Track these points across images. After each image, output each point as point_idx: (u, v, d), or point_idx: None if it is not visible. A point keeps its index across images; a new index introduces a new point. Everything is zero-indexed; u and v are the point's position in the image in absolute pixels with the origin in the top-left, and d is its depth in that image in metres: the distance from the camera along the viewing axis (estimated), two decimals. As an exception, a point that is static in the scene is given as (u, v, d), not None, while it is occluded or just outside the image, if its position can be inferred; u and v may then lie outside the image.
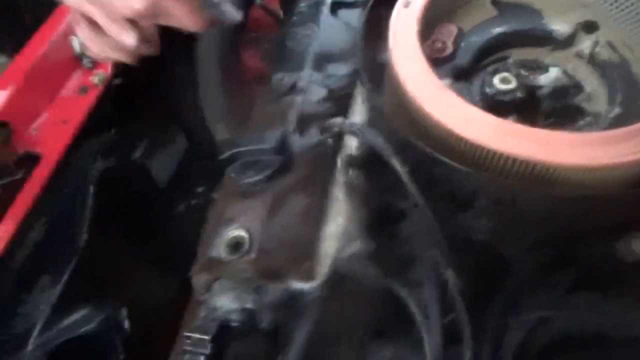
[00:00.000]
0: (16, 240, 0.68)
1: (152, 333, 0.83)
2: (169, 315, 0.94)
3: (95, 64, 0.81)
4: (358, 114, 0.69)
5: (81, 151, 0.76)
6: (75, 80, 0.80)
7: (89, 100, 0.77)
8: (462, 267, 0.56)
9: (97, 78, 0.78)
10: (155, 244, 0.97)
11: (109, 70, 0.80)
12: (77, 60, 0.81)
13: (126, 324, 0.74)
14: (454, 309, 0.55)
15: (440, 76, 0.61)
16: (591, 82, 0.61)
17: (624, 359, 0.52)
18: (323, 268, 0.55)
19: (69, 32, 0.82)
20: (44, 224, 0.72)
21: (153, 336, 0.83)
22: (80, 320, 0.71)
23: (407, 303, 0.54)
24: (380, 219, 0.60)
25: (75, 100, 0.77)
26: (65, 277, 0.70)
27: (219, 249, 0.56)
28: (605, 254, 0.57)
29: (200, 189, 1.24)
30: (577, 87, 0.61)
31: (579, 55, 0.63)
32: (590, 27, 0.63)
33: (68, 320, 0.70)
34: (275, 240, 0.55)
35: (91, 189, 0.78)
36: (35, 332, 0.68)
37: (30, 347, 0.67)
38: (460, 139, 0.52)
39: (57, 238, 0.73)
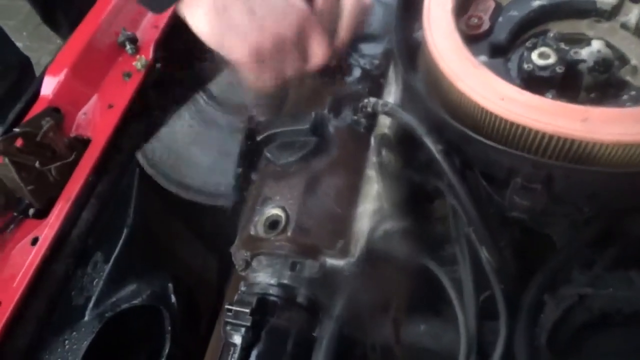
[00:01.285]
0: (70, 220, 0.72)
1: (198, 307, 0.87)
2: (213, 290, 0.98)
3: (138, 49, 0.84)
4: (392, 93, 0.69)
5: (127, 134, 0.80)
6: (119, 65, 0.83)
7: (133, 84, 0.80)
8: (500, 245, 0.56)
9: (139, 63, 0.81)
10: (199, 223, 1.01)
11: (149, 56, 0.83)
12: (121, 46, 0.84)
13: (173, 298, 0.78)
14: (490, 287, 0.55)
15: (477, 53, 0.60)
16: (636, 54, 0.58)
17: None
18: (357, 245, 0.56)
19: (114, 18, 0.86)
20: (95, 204, 0.76)
21: (198, 309, 0.87)
22: (131, 294, 0.76)
23: (441, 280, 0.55)
24: (414, 197, 0.61)
25: (120, 85, 0.81)
26: (115, 254, 0.75)
27: (257, 227, 0.58)
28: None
29: (239, 170, 1.27)
30: (622, 60, 0.59)
31: (625, 26, 0.60)
32: (637, -4, 0.61)
33: (119, 294, 0.75)
34: (310, 218, 0.57)
35: (137, 171, 0.82)
36: (91, 304, 0.73)
37: (86, 317, 0.72)
38: (494, 117, 0.51)
39: (107, 217, 0.77)
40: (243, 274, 0.58)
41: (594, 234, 0.56)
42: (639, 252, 0.55)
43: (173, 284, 0.80)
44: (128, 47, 0.83)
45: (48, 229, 0.70)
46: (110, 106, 0.79)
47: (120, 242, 0.76)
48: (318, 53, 0.61)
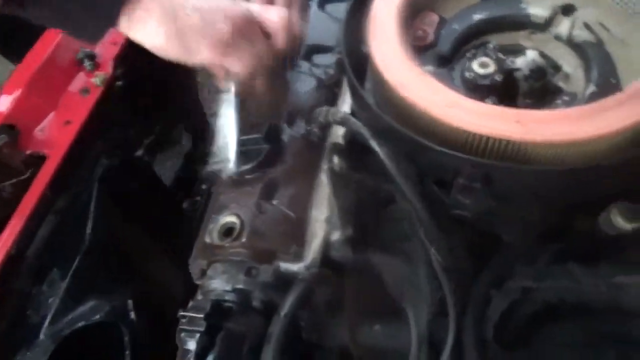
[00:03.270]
0: (25, 237, 0.71)
1: (161, 323, 0.86)
2: (179, 304, 0.97)
3: (97, 65, 0.85)
4: (347, 102, 0.71)
5: (85, 150, 0.80)
6: (77, 82, 0.84)
7: (91, 100, 0.81)
8: (451, 246, 0.58)
9: (98, 79, 0.82)
10: (163, 238, 1.00)
11: (109, 71, 0.84)
12: (80, 63, 0.85)
13: (132, 314, 0.78)
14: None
15: (423, 63, 0.63)
16: (569, 63, 0.63)
17: (602, 325, 0.53)
18: (311, 250, 0.58)
19: (70, 38, 0.86)
20: (52, 220, 0.75)
21: (164, 324, 0.86)
22: (89, 310, 0.75)
23: (390, 282, 0.56)
24: (367, 202, 0.63)
25: (78, 102, 0.81)
26: (72, 271, 0.74)
27: (213, 235, 0.59)
28: (587, 227, 0.59)
29: (204, 186, 1.28)
30: (555, 68, 0.63)
31: (558, 37, 0.65)
32: (567, 9, 0.65)
33: (77, 311, 0.74)
34: (265, 224, 0.58)
35: (96, 186, 0.81)
36: (46, 323, 0.71)
37: (42, 336, 0.71)
38: (437, 122, 0.54)
39: (65, 233, 0.76)
40: (199, 282, 0.59)
41: (536, 230, 0.58)
42: (579, 247, 0.58)
43: (134, 299, 0.79)
44: (87, 63, 0.84)
45: (1, 247, 0.69)
46: (68, 122, 0.79)
47: (78, 258, 0.75)
48: (276, 29, 0.63)
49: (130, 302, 0.79)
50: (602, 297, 0.53)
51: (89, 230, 0.78)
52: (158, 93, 1.08)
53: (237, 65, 0.61)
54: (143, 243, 0.91)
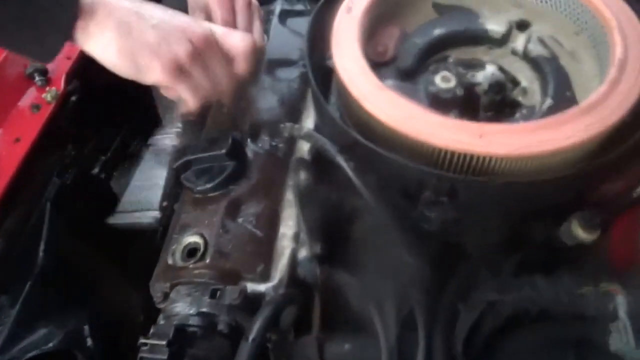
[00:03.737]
0: (-29, 262, 0.67)
1: (120, 346, 0.82)
2: (139, 328, 0.93)
3: (48, 81, 0.81)
4: (311, 117, 0.71)
5: (36, 169, 0.76)
6: (28, 98, 0.79)
7: (42, 117, 0.77)
8: (420, 258, 0.58)
9: (49, 95, 0.78)
10: (122, 260, 0.96)
11: (61, 87, 0.80)
12: (29, 78, 0.81)
13: (89, 341, 0.74)
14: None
15: (385, 77, 0.63)
16: (526, 77, 0.64)
17: (566, 333, 0.54)
18: (278, 269, 0.56)
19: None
20: (0, 242, 0.71)
21: (121, 349, 0.82)
22: (42, 338, 0.70)
23: (360, 301, 0.56)
24: (333, 218, 0.62)
25: (28, 118, 0.77)
26: (23, 296, 0.70)
27: (175, 256, 0.57)
28: (547, 239, 0.60)
29: (165, 203, 1.24)
30: (513, 82, 0.65)
31: (514, 52, 0.66)
32: (522, 25, 0.67)
33: (29, 339, 0.70)
34: (230, 244, 0.56)
35: (48, 206, 0.77)
36: (-5, 353, 0.67)
37: (-10, 367, 0.66)
38: (402, 135, 0.54)
39: (15, 256, 0.72)
40: (161, 306, 0.56)
41: (500, 242, 0.59)
42: (541, 257, 0.59)
43: (91, 325, 0.75)
44: (37, 78, 0.80)
45: (-58, 273, 0.64)
46: (17, 140, 0.75)
47: (29, 283, 0.71)
48: (239, 55, 0.61)
49: (86, 327, 0.75)
50: (563, 307, 0.54)
51: (40, 253, 0.74)
52: (116, 107, 1.04)
53: (188, 92, 0.59)
54: (99, 265, 0.87)
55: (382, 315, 0.55)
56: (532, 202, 0.56)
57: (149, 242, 1.09)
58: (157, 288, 0.57)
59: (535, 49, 0.64)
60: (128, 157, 1.16)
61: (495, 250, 0.60)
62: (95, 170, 0.94)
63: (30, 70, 0.80)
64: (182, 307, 0.53)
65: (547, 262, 0.57)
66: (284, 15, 0.80)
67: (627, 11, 0.60)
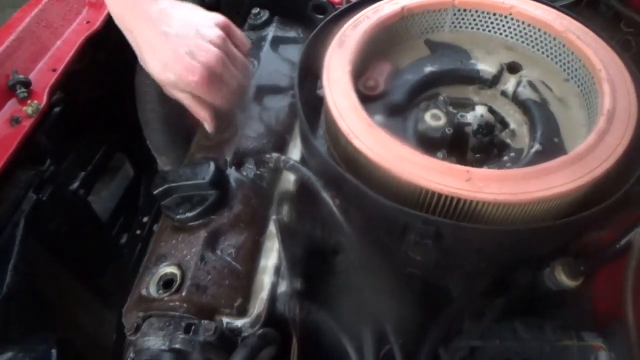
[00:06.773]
0: None
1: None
2: (109, 352, 0.90)
3: (30, 94, 0.79)
4: (298, 148, 0.70)
5: (10, 185, 0.73)
6: (7, 110, 0.77)
7: (21, 131, 0.74)
8: (402, 299, 0.57)
9: (30, 109, 0.76)
10: (95, 280, 0.93)
11: (43, 100, 0.78)
12: (11, 90, 0.78)
13: (57, 366, 0.70)
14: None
15: (374, 112, 0.63)
16: (515, 119, 0.65)
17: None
18: (257, 304, 0.55)
19: (4, 60, 0.80)
20: (-32, 261, 0.68)
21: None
22: (6, 363, 0.67)
23: (338, 341, 0.54)
24: (315, 254, 0.61)
25: (6, 131, 0.74)
26: (-12, 318, 0.67)
27: (150, 287, 0.55)
28: (531, 283, 0.60)
29: (145, 219, 1.21)
30: (502, 124, 0.65)
31: (504, 94, 0.67)
32: (513, 67, 0.67)
33: (-8, 364, 0.66)
34: (207, 276, 0.54)
35: (21, 222, 0.74)
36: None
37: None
38: (389, 174, 0.53)
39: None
40: (132, 338, 0.54)
41: (483, 286, 0.58)
42: (522, 303, 0.59)
43: (58, 349, 0.72)
44: (19, 91, 0.78)
45: None
46: (-7, 153, 0.72)
47: (-4, 304, 0.68)
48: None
49: (54, 351, 0.71)
50: (546, 357, 0.53)
51: (9, 272, 0.71)
52: (99, 121, 1.02)
53: (223, 93, 0.63)
54: (71, 287, 0.84)
55: (361, 357, 0.54)
56: (516, 249, 0.56)
57: (124, 259, 1.07)
58: (129, 317, 0.55)
59: (525, 92, 0.65)
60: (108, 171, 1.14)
61: (478, 293, 0.59)
62: (74, 186, 0.92)
63: (12, 82, 0.78)
64: (154, 342, 0.51)
65: (530, 307, 0.57)
66: (276, 42, 0.79)
67: (617, 61, 0.61)
